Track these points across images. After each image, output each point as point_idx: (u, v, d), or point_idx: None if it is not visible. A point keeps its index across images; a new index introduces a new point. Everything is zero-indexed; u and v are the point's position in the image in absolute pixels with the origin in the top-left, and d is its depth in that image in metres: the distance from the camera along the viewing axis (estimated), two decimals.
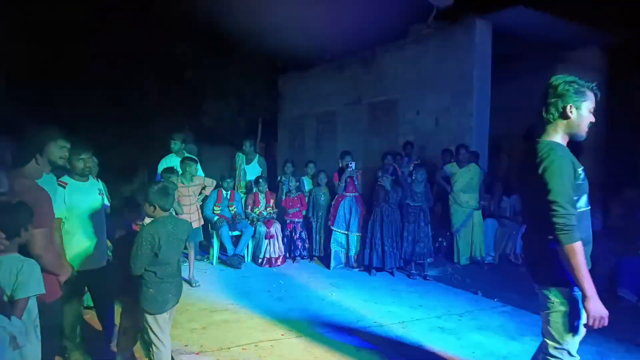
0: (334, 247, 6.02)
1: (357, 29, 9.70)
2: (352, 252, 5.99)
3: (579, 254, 1.94)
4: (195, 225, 5.08)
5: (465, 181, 6.14)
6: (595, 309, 1.94)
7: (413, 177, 5.74)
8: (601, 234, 5.35)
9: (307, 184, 6.84)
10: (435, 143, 7.35)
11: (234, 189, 6.58)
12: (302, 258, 6.37)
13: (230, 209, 6.25)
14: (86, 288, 3.25)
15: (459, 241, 6.16)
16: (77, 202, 3.06)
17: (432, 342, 3.59)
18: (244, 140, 7.04)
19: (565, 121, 2.13)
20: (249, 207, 6.34)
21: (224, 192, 6.23)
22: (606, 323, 1.97)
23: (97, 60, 9.51)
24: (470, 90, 7.02)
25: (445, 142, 7.09)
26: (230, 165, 7.55)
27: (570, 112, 2.11)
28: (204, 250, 6.42)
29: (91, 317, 3.61)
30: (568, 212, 1.95)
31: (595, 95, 2.15)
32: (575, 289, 2.01)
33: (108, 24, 9.43)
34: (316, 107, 10.38)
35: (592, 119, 2.15)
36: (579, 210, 2.03)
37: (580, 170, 2.08)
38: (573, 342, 2.09)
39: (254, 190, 6.45)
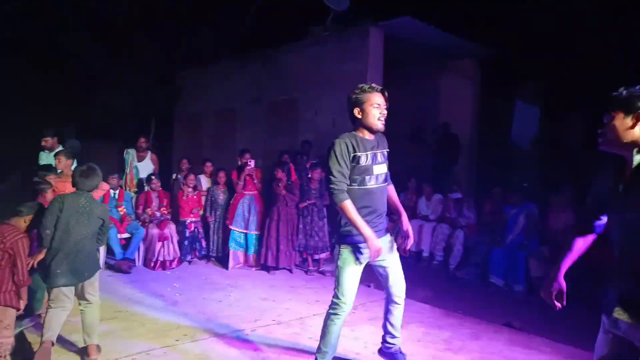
0: (232, 246, 5.94)
1: (257, 26, 9.68)
2: (251, 252, 5.97)
3: (349, 209, 2.59)
4: None
5: None
6: (373, 245, 2.56)
7: (309, 175, 5.89)
8: (475, 228, 5.99)
9: (204, 182, 6.66)
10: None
11: (122, 187, 6.17)
12: (199, 259, 6.18)
13: (119, 209, 5.84)
14: None
15: None
16: None
17: None
18: (137, 135, 6.64)
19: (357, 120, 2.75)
20: (140, 207, 5.99)
21: (112, 191, 5.81)
22: (381, 254, 2.62)
23: None
24: None
25: None
26: (119, 163, 7.06)
27: (359, 114, 2.72)
28: None
29: None
30: (337, 180, 2.62)
31: (382, 92, 2.74)
32: (350, 239, 2.70)
33: None
34: (215, 104, 10.11)
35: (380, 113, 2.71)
36: (365, 187, 2.69)
37: (358, 154, 2.66)
38: (342, 288, 2.77)
39: (146, 189, 6.11)
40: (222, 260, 6.11)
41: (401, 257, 2.96)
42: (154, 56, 10.28)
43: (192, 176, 6.30)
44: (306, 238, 5.80)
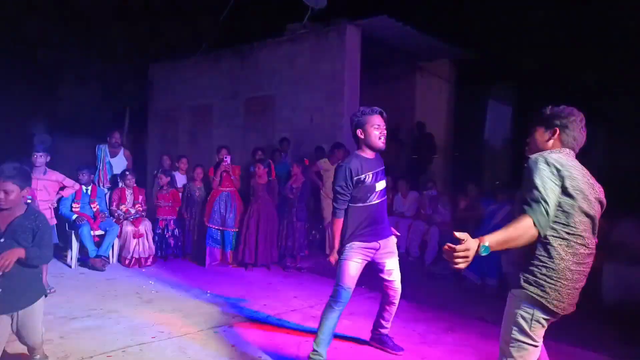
0: (209, 243, 5.90)
1: (234, 22, 9.60)
2: (228, 249, 5.93)
3: (337, 227, 3.07)
4: None
5: None
6: (332, 256, 3.14)
7: (292, 174, 5.88)
8: (450, 224, 6.12)
9: (179, 179, 6.58)
10: (310, 140, 7.62)
11: (96, 183, 6.03)
12: (175, 257, 6.11)
13: (92, 206, 5.72)
14: None
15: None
16: None
17: (305, 331, 3.75)
18: (109, 130, 6.50)
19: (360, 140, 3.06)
20: (114, 203, 5.88)
21: (84, 187, 5.67)
22: (383, 258, 3.14)
23: None
24: (341, 90, 7.42)
25: (318, 140, 7.39)
26: (90, 159, 6.87)
27: (361, 134, 3.02)
28: (60, 253, 5.78)
29: None
30: (339, 199, 3.03)
31: (380, 114, 3.01)
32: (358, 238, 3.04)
33: None
34: (191, 100, 9.98)
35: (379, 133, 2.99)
36: (369, 204, 3.02)
37: (362, 176, 2.96)
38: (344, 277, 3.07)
39: (120, 185, 6.00)
40: (199, 258, 6.05)
41: None
42: (127, 49, 10.06)
43: (162, 176, 6.19)
44: (286, 240, 5.80)
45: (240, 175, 6.12)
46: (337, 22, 7.50)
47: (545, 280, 1.96)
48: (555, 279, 1.95)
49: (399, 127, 9.10)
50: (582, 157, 2.15)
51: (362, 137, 3.00)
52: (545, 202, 1.87)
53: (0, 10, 8.38)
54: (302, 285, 5.19)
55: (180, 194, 6.28)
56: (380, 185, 3.07)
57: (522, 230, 1.88)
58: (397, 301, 3.28)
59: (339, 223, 3.06)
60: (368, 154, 3.03)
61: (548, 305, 1.96)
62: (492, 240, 1.86)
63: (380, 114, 2.99)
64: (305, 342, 3.51)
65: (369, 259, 3.10)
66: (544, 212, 1.87)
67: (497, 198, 5.66)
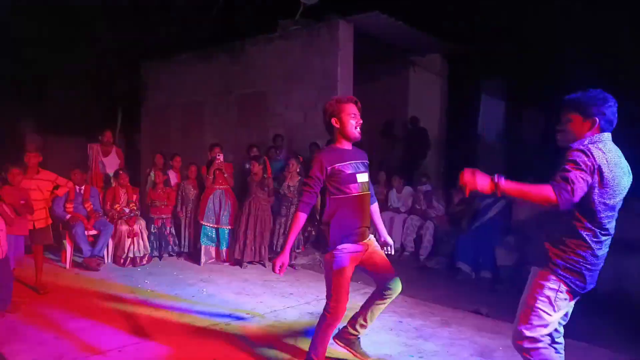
0: (203, 241, 5.88)
1: (226, 18, 9.53)
2: (223, 246, 5.93)
3: (298, 223, 2.76)
4: (40, 225, 4.54)
5: None
6: (279, 259, 2.79)
7: (287, 169, 5.86)
8: (444, 219, 6.15)
9: (173, 177, 6.55)
10: (303, 137, 7.61)
11: (89, 182, 5.99)
12: (171, 255, 6.10)
13: (86, 205, 5.68)
14: None
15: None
16: None
17: (302, 328, 3.76)
18: (100, 129, 6.45)
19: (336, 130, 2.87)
20: (108, 203, 5.85)
21: (77, 187, 5.63)
22: (283, 269, 2.81)
23: None
24: (334, 87, 7.40)
25: (312, 136, 7.38)
26: (81, 158, 6.82)
27: (336, 123, 2.84)
28: (54, 253, 5.75)
29: None
30: (307, 191, 2.77)
31: (355, 102, 2.87)
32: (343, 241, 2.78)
33: None
34: (182, 97, 9.93)
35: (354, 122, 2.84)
36: (351, 195, 2.77)
37: (338, 165, 2.76)
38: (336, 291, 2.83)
39: (114, 184, 5.96)
40: (194, 256, 6.04)
41: None
42: (118, 46, 9.95)
43: (159, 174, 6.18)
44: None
45: (233, 172, 6.11)
46: (329, 18, 7.48)
47: (572, 265, 2.14)
48: (581, 263, 2.13)
49: (392, 122, 9.11)
50: None
51: (338, 126, 2.82)
52: (573, 187, 1.98)
53: None
54: (298, 281, 5.20)
55: (174, 193, 6.26)
56: (362, 177, 2.84)
57: (538, 190, 2.01)
58: (393, 295, 3.01)
59: (300, 218, 2.74)
60: (344, 144, 2.86)
61: (572, 286, 2.16)
62: (508, 182, 2.02)
63: (355, 102, 2.86)
64: (302, 337, 3.52)
65: (357, 262, 2.86)
66: (570, 190, 1.97)
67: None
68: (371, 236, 2.99)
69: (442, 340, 3.56)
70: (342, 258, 2.77)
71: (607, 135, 2.14)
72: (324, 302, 4.43)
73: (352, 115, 2.81)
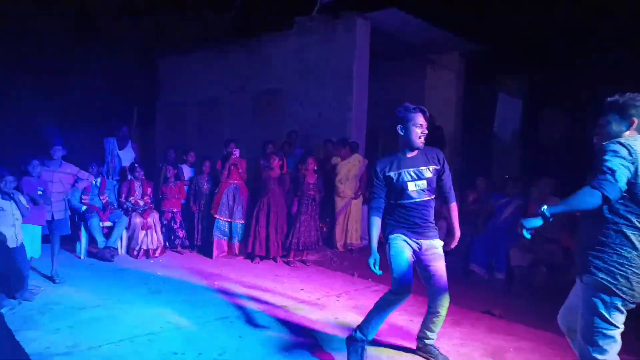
0: (216, 235, 5.92)
1: (242, 15, 9.57)
2: (235, 240, 5.95)
3: (371, 225, 2.98)
4: (59, 216, 4.62)
5: (344, 172, 6.44)
6: (372, 256, 2.91)
7: (304, 168, 5.83)
8: (458, 218, 6.06)
9: (187, 171, 6.61)
10: (318, 134, 7.60)
11: (105, 176, 6.08)
12: (183, 248, 6.15)
13: (102, 197, 5.77)
14: None
15: (336, 228, 6.47)
16: None
17: (311, 324, 3.76)
18: (117, 124, 6.54)
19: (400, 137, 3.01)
20: (123, 195, 5.92)
21: (94, 179, 5.71)
22: (377, 264, 2.90)
23: None
24: (350, 84, 7.37)
25: (327, 134, 7.37)
26: (99, 152, 6.92)
27: (401, 131, 2.96)
28: (70, 244, 5.84)
29: None
30: (372, 197, 3.02)
31: (423, 112, 2.96)
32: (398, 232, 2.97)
33: None
34: (199, 94, 10.00)
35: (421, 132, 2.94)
36: (402, 202, 2.94)
37: (390, 174, 2.94)
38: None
39: (129, 177, 6.03)
40: (207, 249, 6.08)
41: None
42: (135, 43, 10.08)
43: (169, 168, 6.23)
44: (299, 235, 5.74)
45: (247, 168, 6.13)
46: (346, 15, 7.44)
47: (615, 267, 2.04)
48: (626, 266, 2.03)
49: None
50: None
51: (402, 133, 2.95)
52: (613, 173, 1.95)
53: (8, 5, 8.42)
54: (309, 278, 5.20)
55: (186, 187, 6.31)
56: (414, 185, 2.91)
57: (580, 196, 2.00)
58: (441, 312, 3.06)
59: (372, 221, 2.98)
60: (406, 152, 2.97)
61: (617, 291, 2.03)
62: (551, 206, 2.07)
63: (423, 112, 2.96)
64: (312, 333, 3.52)
65: (411, 254, 2.97)
66: (611, 179, 1.95)
67: (507, 192, 5.61)
68: (433, 241, 3.01)
69: (453, 340, 3.52)
70: (396, 243, 2.94)
71: None
72: (334, 298, 4.46)
73: (419, 125, 2.92)
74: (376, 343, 3.26)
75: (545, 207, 2.06)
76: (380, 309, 2.96)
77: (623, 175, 1.96)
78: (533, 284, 4.85)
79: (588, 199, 1.97)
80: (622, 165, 1.97)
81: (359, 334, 2.98)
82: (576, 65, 6.82)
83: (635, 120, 2.13)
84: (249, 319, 3.81)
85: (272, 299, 4.35)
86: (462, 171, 8.42)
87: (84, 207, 5.59)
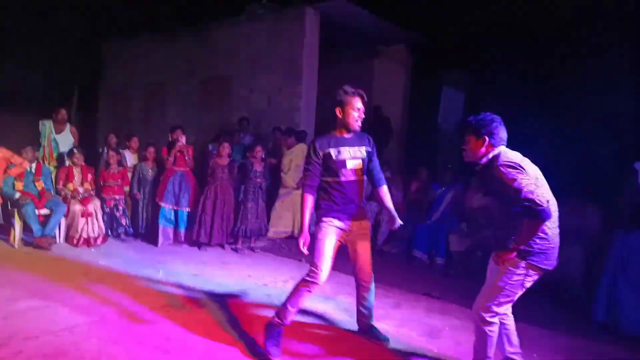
0: (161, 223, 5.81)
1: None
2: (181, 228, 5.87)
3: (305, 202, 2.98)
4: None
5: (287, 162, 6.40)
6: (302, 236, 2.94)
7: (252, 155, 5.81)
8: (402, 206, 6.29)
9: (129, 158, 6.41)
10: (268, 121, 7.59)
11: (40, 161, 5.78)
12: (127, 236, 5.98)
13: (37, 184, 5.48)
14: None
15: (272, 213, 6.35)
16: None
17: (259, 310, 3.80)
18: (54, 106, 6.22)
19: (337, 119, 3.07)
20: (61, 182, 5.67)
21: (28, 165, 5.42)
22: (306, 245, 2.94)
23: None
24: (299, 73, 7.41)
25: (276, 121, 7.37)
26: (33, 135, 6.53)
27: (339, 114, 3.03)
28: (2, 232, 5.54)
29: None
30: (306, 175, 3.03)
31: (362, 97, 3.05)
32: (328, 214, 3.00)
33: None
34: (144, 78, 9.66)
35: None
36: (339, 179, 2.98)
37: (328, 151, 2.98)
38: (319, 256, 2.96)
39: (67, 163, 5.77)
40: (151, 237, 5.95)
41: None
42: (78, 23, 9.56)
43: (112, 154, 6.03)
44: (246, 222, 5.74)
45: (193, 155, 6.04)
46: (296, 4, 7.44)
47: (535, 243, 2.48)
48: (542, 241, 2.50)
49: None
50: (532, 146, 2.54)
51: (340, 116, 3.02)
52: (523, 190, 2.40)
53: None
54: (257, 264, 5.23)
55: (129, 173, 6.12)
56: (352, 163, 3.00)
57: (527, 225, 2.48)
58: (370, 285, 3.19)
59: (306, 199, 2.97)
60: (343, 133, 3.05)
61: (539, 265, 2.50)
62: (517, 239, 2.54)
63: (362, 97, 3.03)
64: (257, 319, 3.56)
65: (341, 239, 3.05)
66: (532, 199, 2.40)
67: (444, 181, 5.89)
68: (363, 222, 3.12)
69: (393, 321, 3.69)
70: (326, 229, 2.97)
71: (503, 148, 2.55)
72: (281, 283, 4.52)
73: (357, 109, 3.00)
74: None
75: (512, 243, 2.52)
76: (296, 293, 3.00)
77: (531, 186, 2.42)
78: (469, 268, 5.15)
79: (533, 225, 2.44)
80: (522, 178, 2.43)
81: (276, 319, 3.03)
82: (514, 61, 7.20)
83: (487, 139, 2.53)
84: (196, 308, 3.80)
85: (219, 287, 4.35)
86: (407, 160, 8.72)
87: (17, 194, 5.30)
